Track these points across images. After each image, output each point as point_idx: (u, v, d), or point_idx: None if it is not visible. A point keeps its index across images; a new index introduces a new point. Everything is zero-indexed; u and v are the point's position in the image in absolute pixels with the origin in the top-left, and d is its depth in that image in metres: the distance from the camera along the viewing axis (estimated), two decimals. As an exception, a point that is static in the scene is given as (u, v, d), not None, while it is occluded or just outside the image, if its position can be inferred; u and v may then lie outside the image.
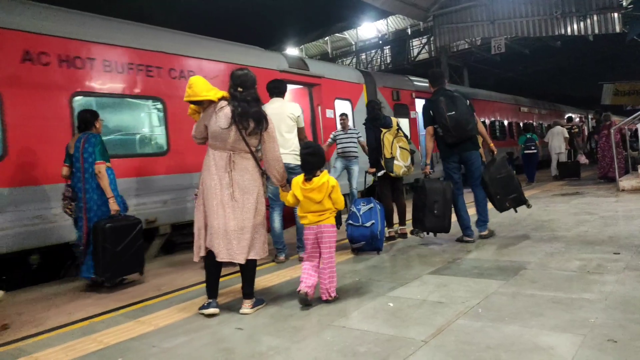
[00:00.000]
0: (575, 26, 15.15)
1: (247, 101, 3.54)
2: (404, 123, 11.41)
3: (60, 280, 5.52)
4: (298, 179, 3.68)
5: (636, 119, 10.52)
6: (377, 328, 2.98)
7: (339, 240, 6.04)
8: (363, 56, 30.16)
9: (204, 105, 3.59)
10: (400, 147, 5.91)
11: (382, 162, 5.84)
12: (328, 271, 3.62)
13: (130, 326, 3.45)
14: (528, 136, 13.47)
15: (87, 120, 4.82)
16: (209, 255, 3.53)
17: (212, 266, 3.55)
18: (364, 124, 6.34)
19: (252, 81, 3.61)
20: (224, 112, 3.48)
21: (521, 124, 19.86)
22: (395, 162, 5.83)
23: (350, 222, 5.25)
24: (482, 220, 5.58)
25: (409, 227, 6.28)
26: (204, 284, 3.72)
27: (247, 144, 3.53)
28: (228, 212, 3.45)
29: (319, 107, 9.41)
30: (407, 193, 8.70)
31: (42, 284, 5.28)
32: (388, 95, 11.56)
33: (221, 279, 4.55)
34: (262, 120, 3.58)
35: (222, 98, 3.55)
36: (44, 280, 5.46)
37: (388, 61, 28.38)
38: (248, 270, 3.60)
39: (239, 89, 3.56)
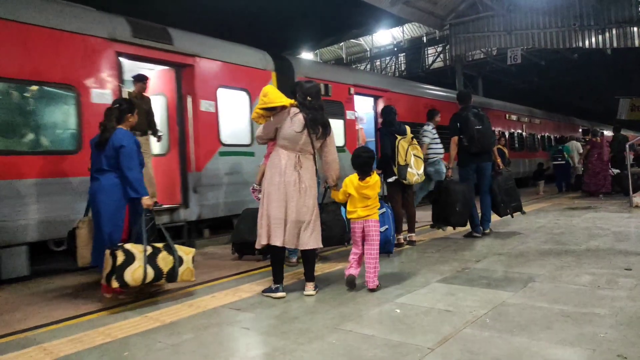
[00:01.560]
0: (593, 39, 15.03)
1: (316, 109, 4.04)
2: (337, 125, 8.80)
3: (81, 272, 5.43)
4: (352, 178, 4.14)
5: None
6: (384, 334, 2.97)
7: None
8: (377, 62, 30.19)
9: (276, 111, 4.00)
10: (414, 155, 5.92)
11: (395, 169, 5.84)
12: (373, 262, 4.03)
13: (138, 321, 3.47)
14: (559, 147, 13.99)
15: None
16: (273, 245, 3.92)
17: (278, 254, 4.01)
18: (379, 129, 6.34)
19: (318, 91, 4.14)
20: (298, 118, 3.94)
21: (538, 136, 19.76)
22: (409, 169, 5.82)
23: None
24: (487, 220, 6.59)
25: (417, 234, 6.30)
26: (208, 283, 4.21)
27: (313, 146, 4.04)
28: (293, 206, 3.89)
29: (189, 98, 6.86)
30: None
31: (55, 276, 5.34)
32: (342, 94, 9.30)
33: (227, 279, 4.64)
34: (327, 127, 4.10)
35: (292, 105, 4.02)
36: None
37: (402, 68, 28.36)
38: (310, 257, 4.07)
39: (308, 98, 4.03)
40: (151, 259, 3.82)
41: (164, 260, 3.89)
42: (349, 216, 4.19)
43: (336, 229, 5.02)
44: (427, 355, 2.60)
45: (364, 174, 4.10)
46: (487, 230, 6.56)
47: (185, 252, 4.07)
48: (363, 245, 4.11)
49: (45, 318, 3.71)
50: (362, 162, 4.15)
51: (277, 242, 3.87)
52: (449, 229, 6.79)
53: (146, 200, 4.06)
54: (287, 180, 3.90)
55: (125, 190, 4.08)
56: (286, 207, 3.89)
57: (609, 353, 2.52)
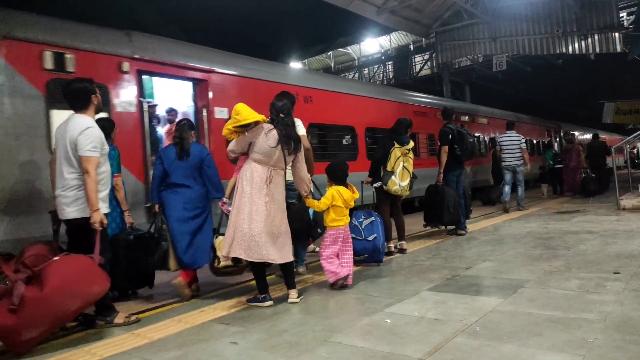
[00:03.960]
0: (576, 45, 15.28)
1: (289, 125, 4.19)
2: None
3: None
4: (340, 189, 4.47)
5: (637, 138, 10.58)
6: (374, 345, 2.94)
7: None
8: (366, 71, 30.38)
9: (250, 127, 4.09)
10: (404, 166, 5.91)
11: (382, 174, 5.87)
12: (349, 264, 4.47)
13: (125, 338, 3.41)
14: (554, 152, 14.59)
15: (105, 127, 4.31)
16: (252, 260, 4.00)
17: (257, 266, 4.10)
18: (387, 135, 6.25)
19: (289, 108, 4.28)
20: (273, 134, 4.06)
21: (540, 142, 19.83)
22: (392, 177, 5.81)
23: (353, 235, 5.24)
24: (465, 221, 7.53)
25: (407, 243, 6.29)
26: (196, 298, 4.36)
27: (285, 162, 4.14)
28: (261, 219, 3.94)
29: None
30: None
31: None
32: (28, 59, 5.21)
33: (215, 293, 4.59)
34: (299, 143, 4.25)
35: (265, 121, 4.15)
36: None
37: (390, 76, 28.56)
38: (287, 268, 4.18)
39: (281, 115, 4.17)
40: None
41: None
42: (333, 224, 4.46)
43: (302, 224, 4.77)
44: (417, 366, 2.58)
45: (344, 184, 4.52)
46: (465, 231, 7.41)
47: None
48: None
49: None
50: (342, 175, 4.58)
51: (240, 254, 3.92)
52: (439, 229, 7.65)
53: (224, 203, 4.80)
54: (258, 194, 3.98)
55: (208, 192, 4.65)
56: (255, 220, 3.92)
57: (599, 358, 2.52)
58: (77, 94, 3.74)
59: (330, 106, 9.50)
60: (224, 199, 4.81)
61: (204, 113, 6.98)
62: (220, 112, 7.14)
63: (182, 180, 4.53)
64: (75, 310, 3.35)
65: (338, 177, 4.60)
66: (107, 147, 3.84)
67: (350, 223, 5.43)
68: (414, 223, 8.06)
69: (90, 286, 3.38)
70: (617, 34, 14.65)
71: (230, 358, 2.92)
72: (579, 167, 13.10)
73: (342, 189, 4.49)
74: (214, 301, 4.28)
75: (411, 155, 6.10)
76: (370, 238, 5.30)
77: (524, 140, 10.32)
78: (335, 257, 4.46)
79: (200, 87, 7.13)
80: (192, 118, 6.92)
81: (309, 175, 4.47)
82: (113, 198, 4.53)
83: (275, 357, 2.86)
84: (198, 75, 7.00)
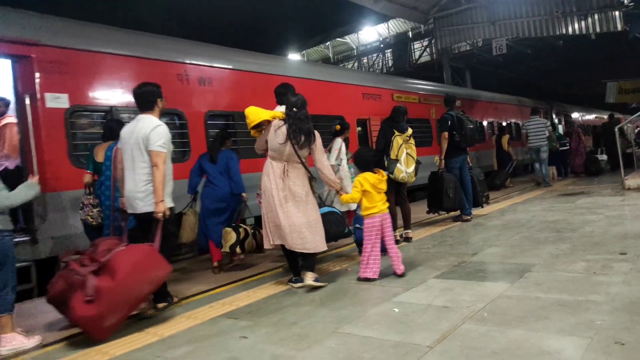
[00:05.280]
0: (576, 25, 15.08)
1: (301, 119, 4.27)
2: None
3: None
4: (366, 176, 4.39)
5: None
6: (382, 334, 2.96)
7: (347, 245, 6.05)
8: (365, 60, 30.21)
9: (263, 126, 4.36)
10: (407, 153, 5.99)
11: (386, 163, 5.88)
12: (395, 250, 4.37)
13: (136, 337, 3.45)
14: (558, 134, 14.54)
15: (113, 129, 4.72)
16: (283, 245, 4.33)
17: (287, 252, 4.38)
18: (382, 123, 6.35)
19: (303, 102, 4.37)
20: (281, 130, 4.24)
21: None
22: (398, 165, 5.87)
23: (358, 225, 5.26)
24: (470, 206, 7.44)
25: (413, 231, 6.31)
26: (205, 293, 4.48)
27: (298, 156, 4.25)
28: (283, 212, 4.18)
29: None
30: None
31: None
32: None
33: (223, 288, 4.62)
34: (311, 136, 4.30)
35: (280, 117, 4.31)
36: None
37: (390, 64, 28.39)
38: (308, 258, 4.31)
39: (294, 109, 4.29)
40: (253, 235, 5.23)
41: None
42: (367, 212, 4.40)
43: (342, 228, 5.07)
44: (426, 354, 2.60)
45: (372, 170, 4.49)
46: (471, 216, 7.34)
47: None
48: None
49: (43, 339, 3.66)
50: (364, 161, 4.58)
51: (276, 242, 4.30)
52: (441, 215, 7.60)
53: (244, 195, 5.47)
54: (276, 188, 4.23)
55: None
56: (278, 213, 4.20)
57: (607, 340, 2.52)
58: (145, 96, 4.08)
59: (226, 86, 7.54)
60: (259, 191, 5.06)
61: (28, 101, 5.41)
62: (54, 100, 5.59)
63: (210, 178, 5.52)
64: (146, 294, 3.68)
65: (359, 164, 4.66)
66: (171, 146, 4.11)
67: (355, 212, 5.47)
68: (418, 211, 8.06)
69: (156, 271, 3.67)
70: (617, 13, 14.44)
71: (240, 352, 2.95)
72: (580, 148, 13.65)
73: (367, 174, 4.44)
74: (222, 296, 4.31)
75: (412, 141, 6.17)
76: None
77: (549, 124, 11.65)
78: (375, 252, 4.32)
79: (21, 65, 5.52)
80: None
81: (328, 166, 4.52)
82: None
83: (285, 350, 2.89)
84: (16, 49, 5.36)
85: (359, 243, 5.31)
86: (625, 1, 14.72)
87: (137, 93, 4.10)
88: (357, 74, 11.17)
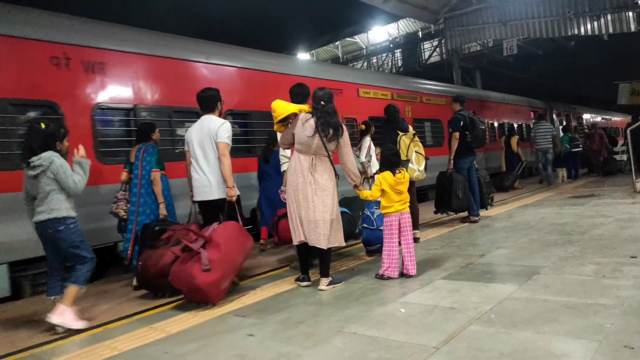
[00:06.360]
0: (588, 26, 14.95)
1: (329, 113, 4.28)
2: None
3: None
4: (385, 175, 4.42)
5: None
6: (388, 334, 2.96)
7: (354, 245, 6.05)
8: (374, 60, 30.15)
9: (289, 120, 4.37)
10: (416, 151, 6.01)
11: None
12: (409, 252, 4.38)
13: (144, 332, 3.48)
14: (570, 136, 14.40)
15: (146, 131, 5.31)
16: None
17: (303, 249, 4.36)
18: (380, 125, 6.39)
19: (330, 96, 4.39)
20: (309, 123, 4.24)
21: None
22: (410, 165, 5.88)
23: (365, 225, 5.30)
24: (478, 207, 7.42)
25: (421, 231, 6.29)
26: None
27: (326, 149, 4.25)
28: (311, 205, 4.17)
29: None
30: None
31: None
32: None
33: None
34: (339, 129, 4.28)
35: (307, 111, 4.34)
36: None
37: (399, 64, 28.31)
38: (325, 254, 4.27)
39: (322, 103, 4.29)
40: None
41: None
42: (384, 211, 4.47)
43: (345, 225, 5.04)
44: (432, 355, 2.60)
45: (393, 170, 4.49)
46: (479, 217, 7.32)
47: None
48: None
49: (51, 335, 3.71)
50: (387, 160, 4.60)
51: (300, 238, 4.24)
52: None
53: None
54: (304, 182, 4.21)
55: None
56: (303, 207, 4.19)
57: (616, 344, 2.50)
58: (209, 99, 4.66)
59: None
60: (282, 187, 5.16)
61: None
62: None
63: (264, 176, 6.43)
64: (241, 263, 4.27)
65: (382, 163, 4.71)
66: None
67: (363, 213, 5.47)
68: (425, 212, 8.03)
69: (246, 243, 4.26)
70: (630, 13, 14.30)
71: (247, 350, 2.96)
72: (603, 151, 14.26)
73: (387, 174, 4.46)
74: (230, 294, 4.33)
75: (417, 139, 6.18)
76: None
77: (554, 129, 12.49)
78: (394, 249, 4.40)
79: None
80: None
81: (354, 161, 4.50)
82: (152, 192, 5.09)
83: (292, 348, 2.90)
84: None
85: (366, 243, 5.34)
86: (639, 2, 14.54)
87: (201, 97, 4.65)
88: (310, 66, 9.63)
